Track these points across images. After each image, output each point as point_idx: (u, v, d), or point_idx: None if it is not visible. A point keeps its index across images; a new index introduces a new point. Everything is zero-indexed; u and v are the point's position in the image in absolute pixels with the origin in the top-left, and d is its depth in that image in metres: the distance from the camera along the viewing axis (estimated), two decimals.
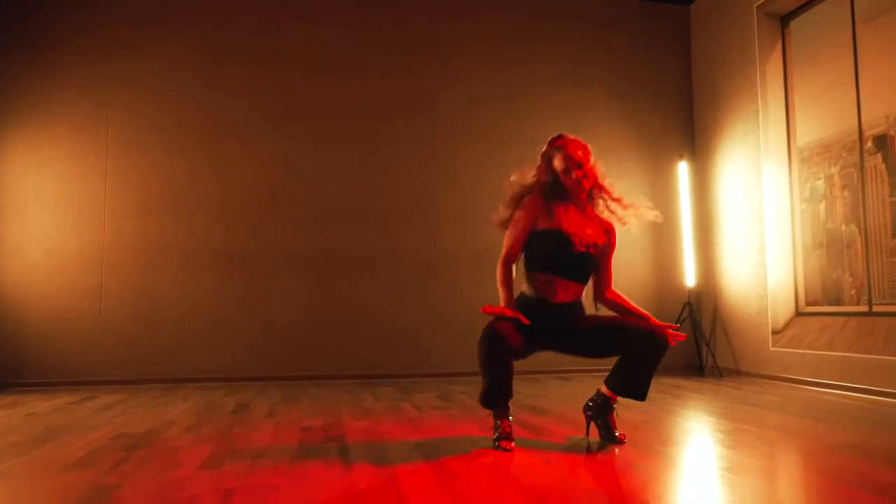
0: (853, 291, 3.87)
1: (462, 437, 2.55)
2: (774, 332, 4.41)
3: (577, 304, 2.46)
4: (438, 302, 4.88)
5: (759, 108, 4.55)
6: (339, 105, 4.85)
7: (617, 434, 2.42)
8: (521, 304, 2.45)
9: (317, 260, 4.73)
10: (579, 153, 2.45)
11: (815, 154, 4.18)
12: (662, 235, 5.21)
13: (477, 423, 2.79)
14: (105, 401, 3.59)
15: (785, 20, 4.49)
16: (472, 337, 4.85)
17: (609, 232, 2.52)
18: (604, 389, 2.46)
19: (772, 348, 4.43)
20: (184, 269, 4.53)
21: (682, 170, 5.12)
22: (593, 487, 1.85)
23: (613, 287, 2.54)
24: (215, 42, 4.69)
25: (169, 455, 2.23)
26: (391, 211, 4.88)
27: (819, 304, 4.14)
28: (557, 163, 2.47)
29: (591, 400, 2.51)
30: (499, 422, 2.35)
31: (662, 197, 5.22)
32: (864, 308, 3.79)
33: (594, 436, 2.50)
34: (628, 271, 5.16)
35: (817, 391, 3.85)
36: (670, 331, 2.39)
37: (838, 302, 3.98)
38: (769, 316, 4.46)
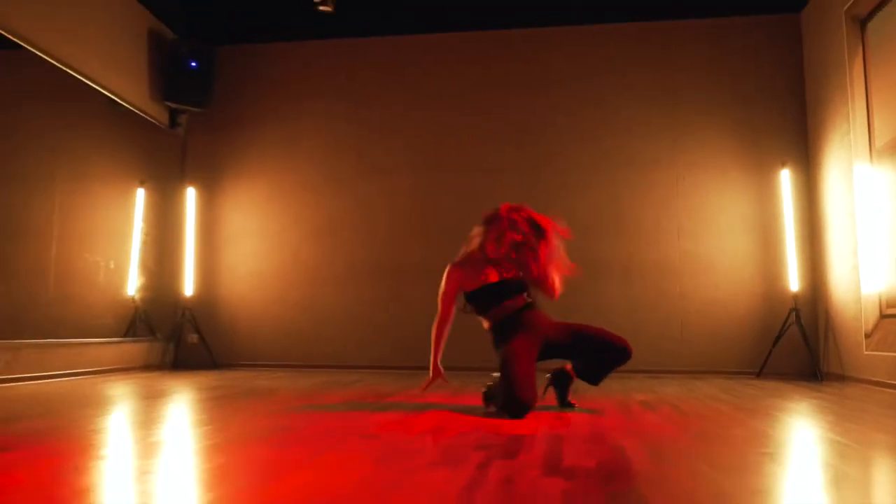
0: None
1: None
2: (867, 337, 4.37)
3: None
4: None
5: (850, 112, 4.56)
6: (456, 139, 5.84)
7: (570, 399, 3.02)
8: (503, 325, 3.03)
9: (433, 271, 5.73)
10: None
11: (888, 155, 4.14)
12: (766, 242, 5.31)
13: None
14: (280, 374, 4.97)
15: (864, 23, 4.47)
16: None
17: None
18: (568, 367, 3.06)
19: (865, 352, 4.38)
20: (341, 281, 5.85)
21: (785, 177, 5.19)
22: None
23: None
24: (362, 102, 6.00)
25: (321, 399, 3.39)
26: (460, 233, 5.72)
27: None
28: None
29: (553, 371, 3.12)
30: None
31: (766, 203, 5.33)
32: None
33: (551, 402, 3.10)
34: (735, 278, 5.36)
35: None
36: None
37: None
38: (862, 320, 4.42)
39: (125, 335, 5.48)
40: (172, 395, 3.56)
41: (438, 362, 3.12)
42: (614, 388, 3.88)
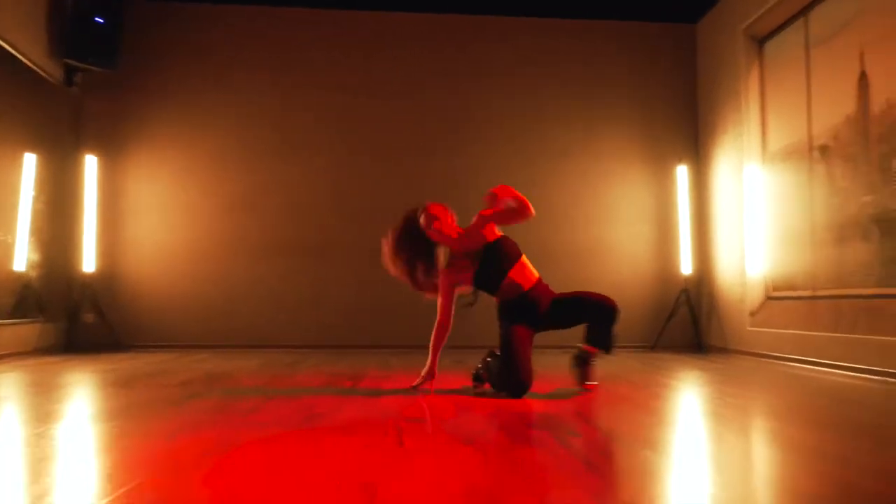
0: (807, 279, 4.51)
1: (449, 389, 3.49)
2: (751, 315, 5.07)
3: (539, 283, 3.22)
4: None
5: (742, 119, 5.21)
6: (390, 121, 5.88)
7: (587, 383, 3.09)
8: (509, 307, 3.16)
9: (364, 250, 5.77)
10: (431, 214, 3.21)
11: (780, 159, 4.81)
12: (663, 230, 5.93)
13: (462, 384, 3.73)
14: (196, 357, 4.76)
15: (762, 42, 5.12)
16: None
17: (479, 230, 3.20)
18: (583, 346, 3.24)
19: (748, 328, 5.09)
20: (257, 257, 5.68)
21: (681, 172, 5.82)
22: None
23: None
24: (287, 74, 5.81)
25: (235, 383, 3.30)
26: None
27: (781, 289, 4.79)
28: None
29: (574, 354, 3.21)
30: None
31: (664, 196, 5.95)
32: (812, 293, 4.43)
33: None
34: (632, 263, 5.92)
35: (782, 364, 4.52)
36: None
37: (795, 287, 4.62)
38: (747, 301, 5.12)
39: (11, 316, 4.96)
40: (133, 385, 3.36)
41: (436, 366, 3.19)
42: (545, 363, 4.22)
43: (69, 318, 5.34)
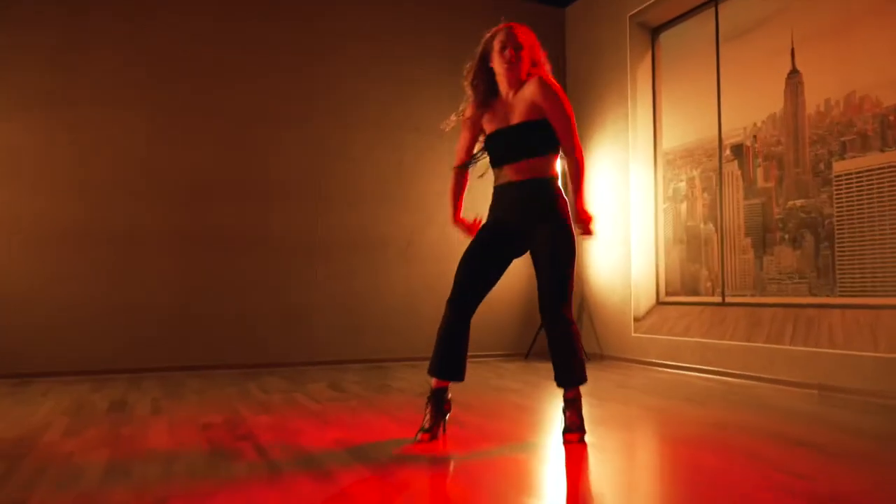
0: (709, 284, 4.30)
1: (384, 436, 2.53)
2: (636, 320, 4.80)
3: (541, 183, 2.39)
4: (324, 285, 4.78)
5: (629, 113, 4.90)
6: (221, 75, 4.56)
7: (567, 433, 2.33)
8: (494, 196, 2.51)
9: (192, 238, 4.44)
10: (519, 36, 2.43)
11: (678, 158, 4.58)
12: None
13: (386, 416, 2.79)
14: None
15: (655, 32, 4.85)
16: (359, 322, 4.80)
17: (543, 98, 2.37)
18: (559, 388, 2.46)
19: (633, 334, 4.81)
20: (31, 248, 4.05)
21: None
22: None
23: (577, 154, 2.41)
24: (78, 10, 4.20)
25: (64, 463, 2.00)
26: (275, 189, 4.69)
27: (678, 294, 4.56)
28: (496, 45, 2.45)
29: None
30: (427, 407, 2.37)
31: None
32: (717, 299, 4.23)
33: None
34: None
35: (675, 373, 4.24)
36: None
37: (695, 293, 4.41)
38: (632, 304, 4.84)
39: None
40: None
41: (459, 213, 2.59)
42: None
43: None
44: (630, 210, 4.89)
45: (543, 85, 2.38)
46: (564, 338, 2.33)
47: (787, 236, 3.78)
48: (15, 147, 4.05)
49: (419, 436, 2.33)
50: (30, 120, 4.08)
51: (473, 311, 2.46)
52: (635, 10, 4.82)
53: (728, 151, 4.18)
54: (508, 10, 5.53)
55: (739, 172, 4.10)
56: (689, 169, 4.48)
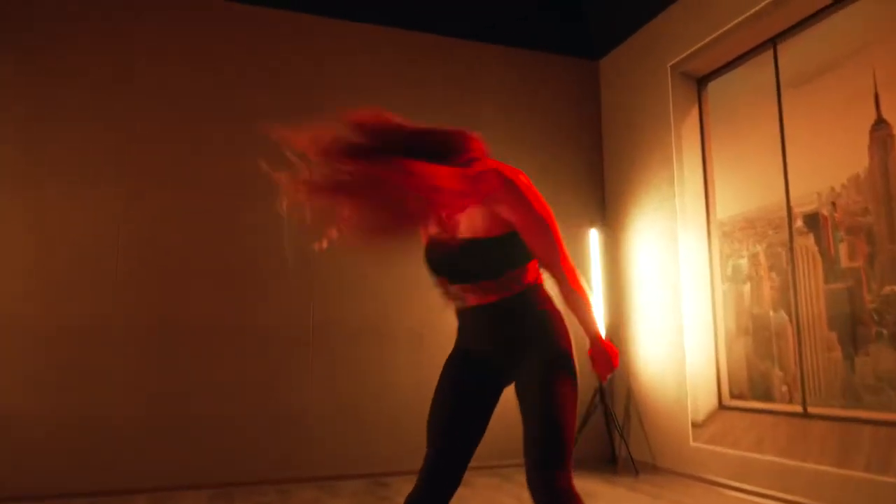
0: (784, 388, 3.42)
1: None
2: (695, 426, 3.92)
3: (508, 305, 1.69)
4: (320, 384, 4.12)
5: (675, 176, 4.15)
6: (200, 147, 4.06)
7: None
8: (458, 319, 1.84)
9: (161, 331, 3.86)
10: None
11: (737, 229, 3.77)
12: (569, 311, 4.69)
13: None
14: None
15: (702, 82, 4.14)
16: (362, 428, 4.08)
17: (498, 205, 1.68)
18: None
19: (692, 443, 3.93)
20: None
21: (593, 238, 4.64)
22: None
23: (561, 281, 1.70)
24: (45, 59, 3.81)
25: None
26: (262, 272, 4.10)
27: (745, 397, 3.68)
28: None
29: None
30: None
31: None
32: (797, 408, 3.34)
33: None
34: None
35: (747, 499, 3.34)
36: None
37: (767, 398, 3.52)
38: (689, 406, 3.97)
39: None
40: None
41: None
42: None
43: None
44: (681, 291, 4.07)
45: (506, 182, 1.66)
46: None
47: (885, 332, 2.91)
48: None
49: None
50: None
51: (458, 484, 1.73)
52: (677, 59, 4.13)
53: (800, 222, 3.36)
54: (537, 64, 4.96)
55: (816, 248, 3.26)
56: (751, 243, 3.67)
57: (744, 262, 3.71)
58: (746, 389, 3.67)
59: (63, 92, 3.83)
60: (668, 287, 4.20)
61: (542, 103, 4.90)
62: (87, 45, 3.92)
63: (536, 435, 1.60)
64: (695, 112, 4.14)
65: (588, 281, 4.63)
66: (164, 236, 3.94)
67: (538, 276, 1.75)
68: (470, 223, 1.69)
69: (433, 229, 1.77)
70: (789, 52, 3.48)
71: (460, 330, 1.82)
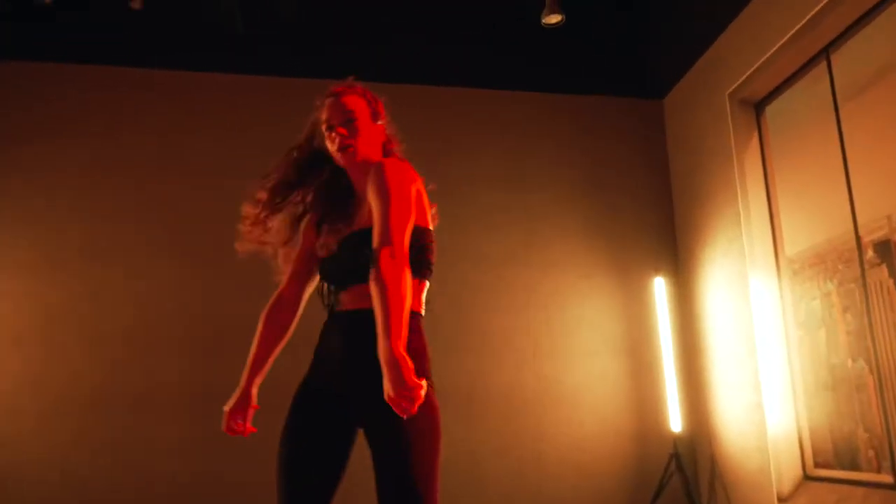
0: (871, 452, 2.83)
1: None
2: (781, 501, 3.34)
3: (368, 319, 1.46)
4: (367, 450, 4.00)
5: (741, 212, 3.71)
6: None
7: None
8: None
9: (212, 397, 3.94)
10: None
11: (807, 266, 3.27)
12: (640, 367, 4.26)
13: None
14: None
15: (759, 107, 3.73)
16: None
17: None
18: None
19: None
20: (51, 415, 3.80)
21: (659, 286, 4.24)
22: None
23: (382, 265, 1.44)
24: (97, 153, 4.17)
25: None
26: (306, 337, 4.11)
27: (831, 465, 3.09)
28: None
29: None
30: None
31: (636, 318, 4.33)
32: (887, 477, 2.74)
33: None
34: (599, 412, 4.21)
35: None
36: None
37: (854, 465, 2.93)
38: (773, 477, 3.40)
39: None
40: None
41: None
42: None
43: None
44: (755, 343, 3.57)
45: (376, 170, 1.55)
46: None
47: None
48: (35, 308, 3.94)
49: None
50: (57, 277, 3.99)
51: None
52: (734, 86, 3.77)
53: (871, 252, 2.84)
54: (599, 106, 4.74)
55: (892, 282, 2.73)
56: (821, 281, 3.15)
57: (816, 303, 3.19)
58: (832, 456, 3.08)
59: (116, 182, 4.15)
60: (742, 338, 3.70)
61: (604, 148, 4.65)
62: (132, 139, 4.24)
63: (390, 493, 1.40)
64: (755, 140, 3.73)
65: (656, 332, 4.21)
66: (210, 309, 4.08)
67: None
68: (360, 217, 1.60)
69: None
70: (842, 60, 3.05)
71: (316, 351, 1.66)
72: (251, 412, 1.73)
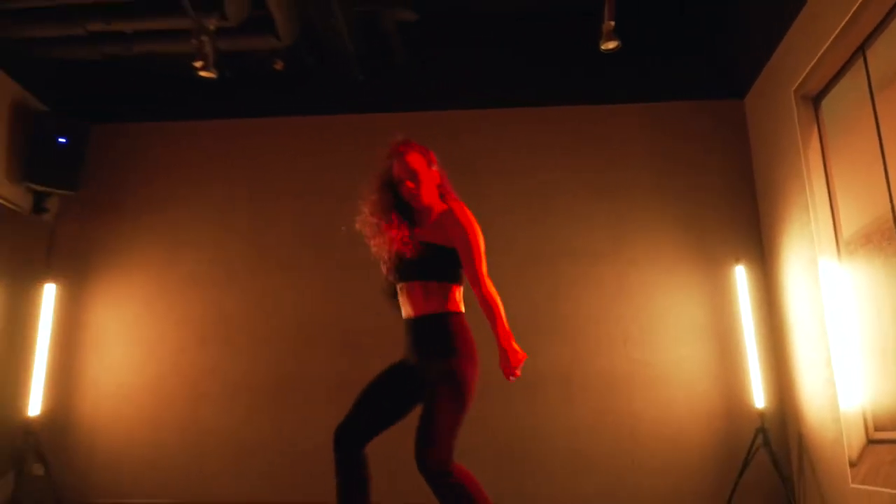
0: None
1: None
2: (851, 466, 3.58)
3: (422, 323, 2.31)
4: (478, 427, 4.67)
5: (808, 201, 3.99)
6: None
7: None
8: None
9: (356, 386, 4.81)
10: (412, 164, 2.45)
11: (859, 247, 3.52)
12: (724, 349, 4.59)
13: None
14: None
15: (816, 101, 3.99)
16: (518, 468, 4.48)
17: (443, 228, 2.39)
18: None
19: (851, 485, 3.58)
20: (229, 399, 4.85)
21: (740, 274, 4.55)
22: None
23: (481, 290, 2.34)
24: (260, 186, 5.22)
25: None
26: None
27: (888, 428, 3.32)
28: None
29: None
30: None
31: (720, 304, 4.66)
32: None
33: None
34: (687, 393, 4.59)
35: None
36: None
37: None
38: (845, 444, 3.64)
39: None
40: None
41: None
42: None
43: (15, 470, 4.65)
44: (825, 320, 3.83)
45: (449, 227, 2.40)
46: (440, 495, 2.04)
47: None
48: (222, 313, 5.03)
49: None
50: (232, 288, 5.06)
51: (359, 447, 2.26)
52: (797, 83, 4.06)
53: None
54: (682, 111, 5.12)
55: None
56: (871, 258, 3.40)
57: (869, 280, 3.44)
58: (889, 420, 3.31)
59: (276, 211, 5.17)
60: (815, 318, 3.96)
61: (687, 150, 5.03)
62: (285, 175, 5.24)
63: (420, 421, 2.09)
64: (815, 133, 3.99)
65: (739, 317, 4.52)
66: (346, 312, 4.94)
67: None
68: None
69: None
70: (877, 53, 3.31)
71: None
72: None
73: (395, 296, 2.53)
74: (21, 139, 4.87)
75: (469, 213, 2.41)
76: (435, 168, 2.51)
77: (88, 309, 5.08)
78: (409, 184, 2.41)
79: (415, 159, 2.44)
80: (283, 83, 5.33)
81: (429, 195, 2.43)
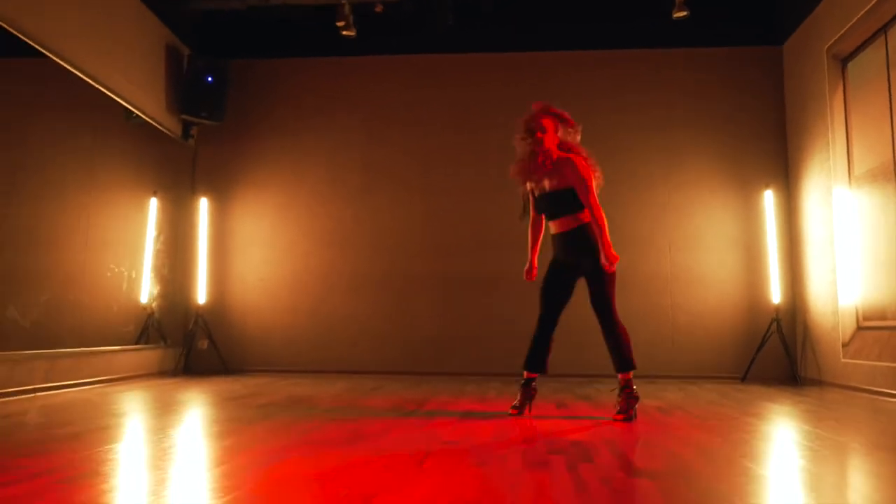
0: None
1: (494, 413, 3.65)
2: (843, 346, 4.84)
3: (573, 234, 3.36)
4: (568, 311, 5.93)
5: (829, 144, 5.02)
6: (468, 159, 6.15)
7: (617, 413, 3.22)
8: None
9: (448, 282, 6.04)
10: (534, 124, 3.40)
11: (867, 182, 4.60)
12: (751, 257, 5.77)
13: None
14: (290, 381, 5.19)
15: (845, 62, 4.94)
16: (582, 341, 5.75)
17: (565, 173, 3.35)
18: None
19: (842, 360, 4.85)
20: (350, 290, 6.09)
21: (768, 198, 5.65)
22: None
23: (591, 216, 3.31)
24: (373, 114, 6.24)
25: (312, 404, 3.64)
26: (506, 241, 6.04)
27: (874, 318, 4.54)
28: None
29: None
30: (519, 392, 3.41)
31: (750, 221, 5.79)
32: None
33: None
34: (719, 291, 5.80)
35: (878, 399, 4.29)
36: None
37: (884, 317, 4.38)
38: (839, 330, 4.88)
39: (137, 342, 5.62)
40: (248, 400, 3.77)
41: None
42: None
43: (186, 345, 5.96)
44: (833, 235, 4.97)
45: (571, 171, 3.37)
46: (610, 335, 3.21)
47: None
48: (340, 223, 6.17)
49: (511, 410, 3.38)
50: (348, 202, 6.18)
51: (555, 325, 3.42)
52: (831, 42, 4.97)
53: None
54: (723, 56, 6.02)
55: None
56: (877, 192, 4.50)
57: (871, 207, 4.55)
58: (873, 312, 4.53)
59: (387, 132, 6.20)
60: (826, 234, 5.09)
61: (731, 90, 5.99)
62: (397, 109, 6.23)
63: (594, 295, 3.23)
64: (840, 89, 4.96)
65: (765, 231, 5.66)
66: (445, 222, 6.08)
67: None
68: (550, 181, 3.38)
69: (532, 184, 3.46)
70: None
71: (553, 247, 3.47)
72: (534, 272, 3.58)
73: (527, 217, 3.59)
74: (175, 78, 5.82)
75: (583, 161, 3.38)
76: (559, 131, 3.45)
77: (231, 219, 6.22)
78: (538, 135, 3.35)
79: (546, 120, 3.41)
80: (389, 27, 6.20)
81: (551, 147, 3.39)
